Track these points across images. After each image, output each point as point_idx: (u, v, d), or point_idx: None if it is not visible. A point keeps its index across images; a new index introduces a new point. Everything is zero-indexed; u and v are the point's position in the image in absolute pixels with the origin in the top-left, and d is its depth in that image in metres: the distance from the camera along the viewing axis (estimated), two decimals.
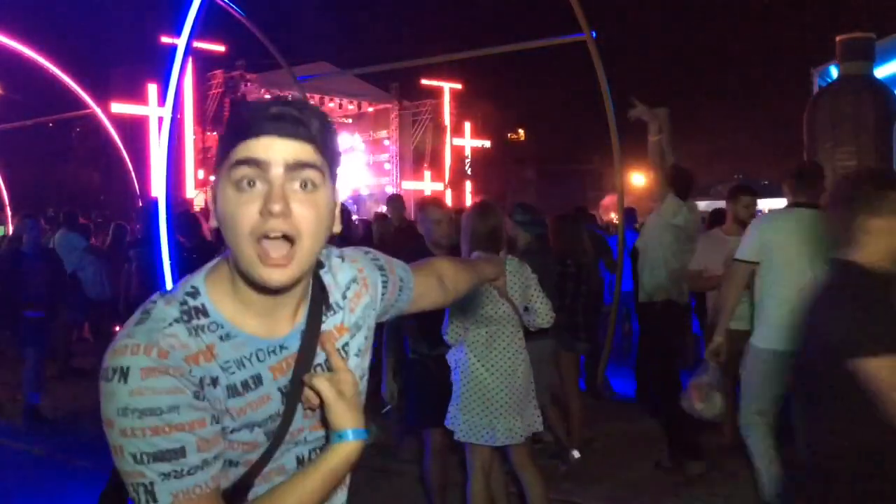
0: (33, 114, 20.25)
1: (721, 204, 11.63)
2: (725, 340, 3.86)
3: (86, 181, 25.01)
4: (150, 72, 20.61)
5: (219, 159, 1.10)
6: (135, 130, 20.14)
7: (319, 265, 1.26)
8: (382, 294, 1.38)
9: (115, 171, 19.85)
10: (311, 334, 1.18)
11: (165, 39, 17.89)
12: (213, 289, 1.13)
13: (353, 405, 1.18)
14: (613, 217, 8.75)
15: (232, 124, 1.10)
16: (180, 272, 4.19)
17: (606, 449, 5.19)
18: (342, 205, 1.25)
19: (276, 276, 1.06)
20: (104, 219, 13.89)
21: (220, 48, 23.38)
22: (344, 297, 1.28)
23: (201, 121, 24.09)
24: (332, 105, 25.87)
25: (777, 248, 3.67)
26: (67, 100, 16.11)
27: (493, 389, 3.32)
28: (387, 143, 27.25)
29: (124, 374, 1.02)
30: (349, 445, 1.16)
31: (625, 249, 6.79)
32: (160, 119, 10.00)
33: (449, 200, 25.59)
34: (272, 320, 1.15)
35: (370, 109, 26.93)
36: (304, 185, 1.07)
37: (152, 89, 21.22)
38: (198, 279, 1.14)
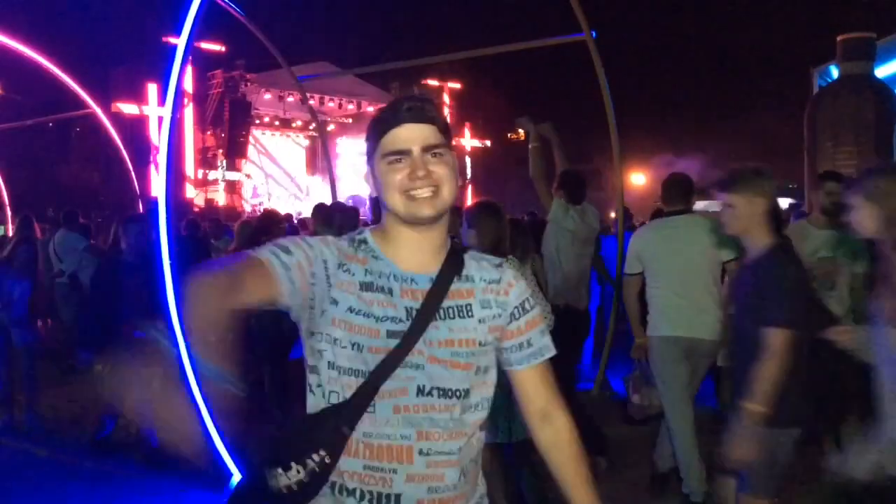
0: (33, 114, 20.25)
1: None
2: (645, 341, 4.28)
3: (86, 181, 25.01)
4: (150, 72, 20.63)
5: (370, 150, 1.55)
6: (135, 130, 20.15)
7: (463, 250, 1.60)
8: (508, 322, 1.59)
9: (115, 171, 19.85)
10: (442, 282, 1.51)
11: (166, 39, 17.88)
12: (373, 232, 1.58)
13: None
14: (612, 217, 8.77)
15: (378, 121, 1.53)
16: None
17: (608, 449, 5.18)
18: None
19: (425, 210, 1.47)
20: (104, 219, 13.88)
21: (220, 48, 23.39)
22: (483, 279, 1.57)
23: (201, 121, 24.10)
24: (332, 105, 25.89)
25: (650, 258, 4.17)
26: (67, 100, 16.10)
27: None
28: None
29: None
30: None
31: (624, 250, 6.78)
32: (160, 119, 9.99)
33: None
34: (411, 260, 1.52)
35: (370, 109, 26.94)
36: (435, 155, 1.49)
37: (152, 89, 21.24)
38: (366, 230, 1.58)
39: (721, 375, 5.93)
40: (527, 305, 1.59)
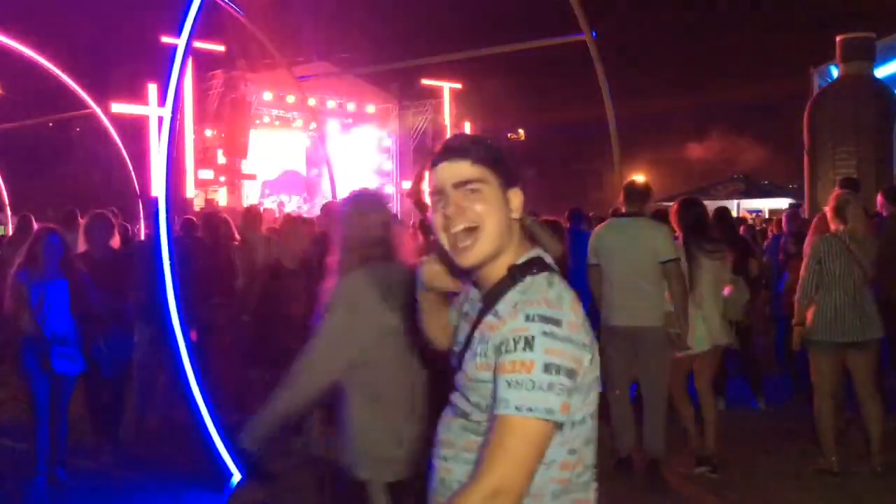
0: (33, 114, 20.25)
1: (721, 204, 11.60)
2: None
3: (86, 181, 25.01)
4: (150, 72, 20.61)
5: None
6: (135, 130, 20.14)
7: (514, 281, 1.48)
8: (496, 359, 1.42)
9: (115, 171, 19.85)
10: (481, 310, 1.53)
11: (165, 39, 17.87)
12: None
13: None
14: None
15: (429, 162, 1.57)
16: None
17: (606, 448, 5.19)
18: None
19: (465, 259, 1.49)
20: None
21: (220, 48, 23.38)
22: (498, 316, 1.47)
23: (201, 121, 24.09)
24: (332, 105, 25.88)
25: (605, 252, 4.67)
26: (67, 100, 16.11)
27: None
28: (387, 142, 27.25)
29: None
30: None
31: None
32: (160, 119, 10.00)
33: None
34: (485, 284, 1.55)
35: (370, 109, 26.93)
36: (471, 191, 1.49)
37: (152, 89, 21.22)
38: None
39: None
40: (506, 347, 1.38)
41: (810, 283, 4.51)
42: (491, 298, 1.49)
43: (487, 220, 1.47)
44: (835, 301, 4.43)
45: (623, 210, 4.88)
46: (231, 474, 4.43)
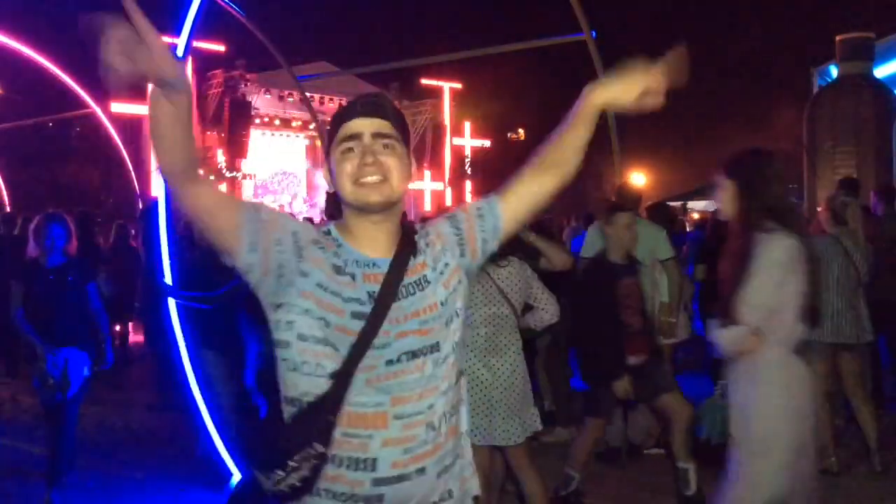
0: (33, 114, 20.25)
1: None
2: None
3: (86, 181, 25.01)
4: None
5: (328, 145, 1.63)
6: (135, 130, 20.14)
7: (413, 229, 1.68)
8: (457, 232, 1.70)
9: (115, 171, 19.84)
10: (399, 262, 1.58)
11: (165, 39, 17.87)
12: (335, 225, 1.65)
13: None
14: None
15: (335, 117, 1.62)
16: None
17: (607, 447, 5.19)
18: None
19: (372, 196, 1.54)
20: (104, 219, 13.89)
21: (220, 48, 23.38)
22: (426, 244, 1.65)
23: (201, 121, 24.09)
24: (331, 105, 25.87)
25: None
26: (67, 100, 16.10)
27: (493, 389, 3.33)
28: None
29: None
30: None
31: None
32: None
33: (449, 200, 25.59)
34: (370, 247, 1.59)
35: None
36: (385, 146, 1.57)
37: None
38: (330, 223, 1.66)
39: None
40: (457, 219, 1.70)
41: None
42: (407, 247, 1.62)
43: (398, 173, 1.57)
44: (832, 303, 4.46)
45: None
46: (231, 474, 4.43)
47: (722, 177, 2.84)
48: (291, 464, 1.44)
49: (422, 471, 1.52)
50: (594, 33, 6.72)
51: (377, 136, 1.57)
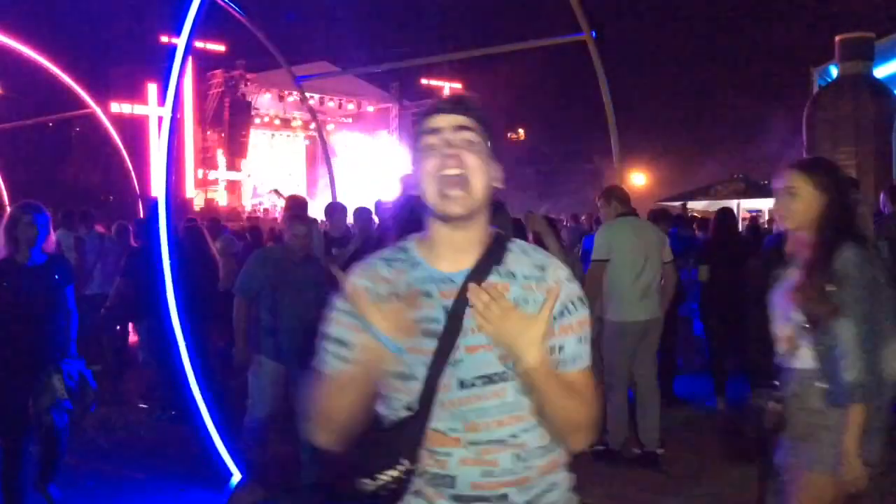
0: (33, 114, 20.26)
1: (721, 203, 11.63)
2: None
3: (86, 181, 25.02)
4: (150, 72, 20.63)
5: (414, 146, 1.55)
6: (135, 130, 20.14)
7: (507, 238, 1.56)
8: (557, 316, 1.49)
9: (115, 171, 19.84)
10: (477, 274, 1.48)
11: (165, 39, 17.86)
12: (416, 239, 1.58)
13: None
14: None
15: (418, 119, 1.61)
16: None
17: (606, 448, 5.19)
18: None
19: (450, 205, 1.45)
20: (103, 219, 13.87)
21: (220, 48, 23.39)
22: (524, 276, 1.51)
23: (201, 121, 24.09)
24: (331, 105, 25.88)
25: (621, 246, 4.74)
26: (67, 100, 16.11)
27: None
28: (387, 143, 27.26)
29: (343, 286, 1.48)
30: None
31: None
32: (160, 119, 10.01)
33: None
34: (451, 259, 1.51)
35: (370, 109, 26.93)
36: (467, 142, 1.48)
37: (152, 89, 21.22)
38: (412, 237, 1.59)
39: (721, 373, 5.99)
40: (569, 308, 1.50)
41: None
42: (490, 260, 1.51)
43: (480, 174, 1.48)
44: None
45: (621, 211, 4.94)
46: (231, 474, 4.43)
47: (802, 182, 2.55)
48: (380, 476, 1.44)
49: (504, 497, 1.48)
50: (594, 33, 6.72)
51: (458, 129, 1.49)
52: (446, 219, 1.48)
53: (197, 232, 6.42)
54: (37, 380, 3.67)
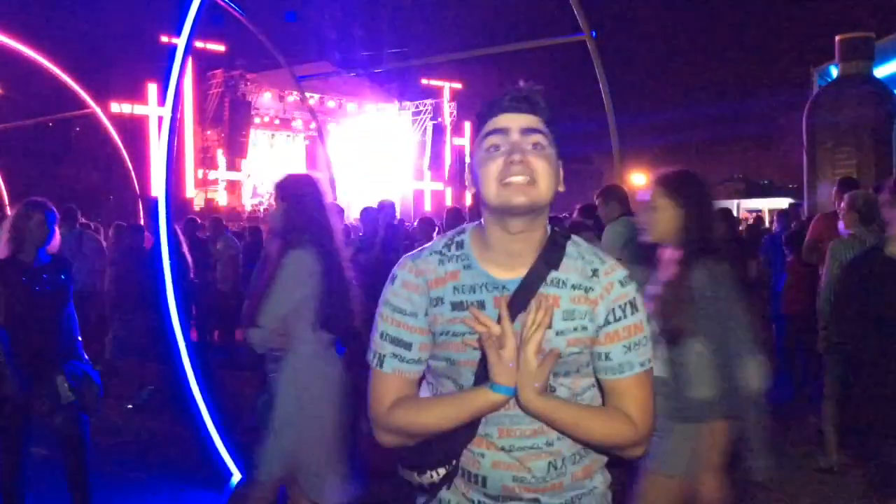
0: (33, 114, 20.26)
1: (721, 204, 11.51)
2: None
3: (86, 181, 25.01)
4: (150, 71, 20.63)
5: (473, 142, 1.50)
6: (135, 130, 20.13)
7: (565, 236, 1.51)
8: (596, 333, 1.48)
9: (115, 171, 19.84)
10: (530, 280, 1.44)
11: (165, 39, 17.86)
12: (472, 232, 1.53)
13: (504, 363, 1.38)
14: None
15: (480, 112, 1.47)
16: None
17: None
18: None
19: (517, 198, 1.38)
20: (102, 218, 13.89)
21: (220, 48, 23.39)
22: (573, 285, 1.47)
23: (201, 121, 24.10)
24: (331, 105, 25.88)
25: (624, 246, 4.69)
26: (67, 99, 16.10)
27: None
28: (387, 142, 27.25)
29: (394, 278, 1.52)
30: (491, 395, 1.40)
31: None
32: (160, 119, 10.00)
33: (449, 200, 25.58)
34: (506, 267, 1.47)
35: (370, 109, 26.92)
36: (535, 145, 1.42)
37: (152, 89, 21.22)
38: (468, 228, 1.54)
39: None
40: (615, 315, 1.46)
41: (832, 289, 4.33)
42: (543, 268, 1.46)
43: (546, 177, 1.41)
44: None
45: (620, 211, 4.91)
46: (231, 474, 4.42)
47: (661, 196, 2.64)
48: (430, 472, 1.48)
49: (536, 501, 1.48)
50: (594, 33, 6.71)
51: (527, 132, 1.42)
52: (508, 212, 1.41)
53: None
54: (42, 382, 3.56)
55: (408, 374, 1.52)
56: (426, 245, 1.57)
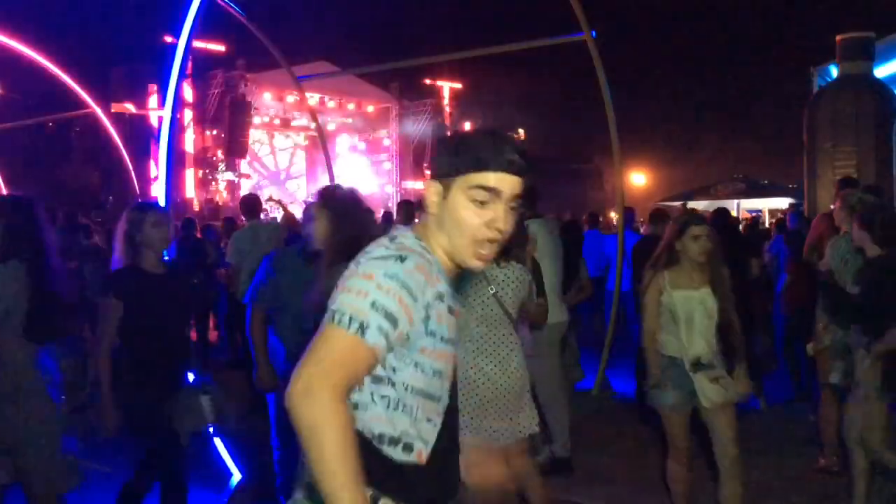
0: (33, 114, 20.24)
1: (721, 203, 11.58)
2: None
3: (86, 181, 25.00)
4: (151, 72, 20.62)
5: (451, 170, 1.49)
6: (135, 130, 20.13)
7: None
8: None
9: (115, 171, 19.83)
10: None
11: (166, 39, 17.86)
12: (426, 244, 1.52)
13: None
14: (613, 216, 8.77)
15: (474, 153, 1.47)
16: None
17: (606, 448, 5.19)
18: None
19: (479, 265, 1.51)
20: (102, 219, 13.87)
21: (220, 48, 23.37)
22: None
23: (201, 121, 24.07)
24: (332, 105, 25.86)
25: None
26: (67, 100, 16.10)
27: (482, 389, 3.27)
28: (387, 142, 27.23)
29: (402, 258, 1.43)
30: None
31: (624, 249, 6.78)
32: (160, 119, 9.98)
33: None
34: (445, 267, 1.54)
35: (370, 109, 26.90)
36: (513, 208, 1.50)
37: (153, 89, 21.22)
38: (411, 235, 1.51)
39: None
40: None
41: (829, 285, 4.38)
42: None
43: (507, 235, 1.52)
44: None
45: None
46: (231, 474, 4.43)
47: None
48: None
49: None
50: (594, 33, 6.70)
51: (513, 198, 1.50)
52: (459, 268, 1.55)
53: None
54: (177, 398, 3.36)
55: (380, 353, 1.41)
56: (404, 244, 1.49)
